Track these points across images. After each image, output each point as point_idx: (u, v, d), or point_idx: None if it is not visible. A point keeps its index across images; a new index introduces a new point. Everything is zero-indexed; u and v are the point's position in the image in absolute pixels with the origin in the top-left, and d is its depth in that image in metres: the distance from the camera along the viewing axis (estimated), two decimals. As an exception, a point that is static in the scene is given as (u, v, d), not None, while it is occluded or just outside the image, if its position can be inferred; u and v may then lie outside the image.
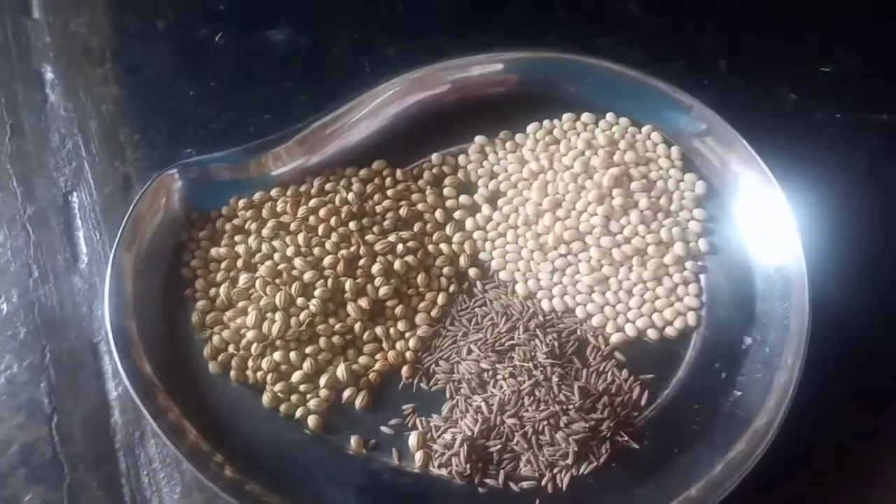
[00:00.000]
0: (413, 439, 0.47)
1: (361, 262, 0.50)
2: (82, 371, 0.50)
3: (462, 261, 0.52)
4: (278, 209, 0.52)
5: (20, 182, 0.56)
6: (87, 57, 0.60)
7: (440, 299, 0.50)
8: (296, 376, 0.48)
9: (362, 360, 0.49)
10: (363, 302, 0.49)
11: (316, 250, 0.50)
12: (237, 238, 0.51)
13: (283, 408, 0.48)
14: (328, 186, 0.53)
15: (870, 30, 0.60)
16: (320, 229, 0.51)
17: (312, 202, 0.52)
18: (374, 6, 0.62)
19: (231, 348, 0.49)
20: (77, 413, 0.49)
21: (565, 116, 0.55)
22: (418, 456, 0.46)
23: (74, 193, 0.55)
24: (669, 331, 0.49)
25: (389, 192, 0.53)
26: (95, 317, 0.51)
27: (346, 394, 0.48)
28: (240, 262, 0.50)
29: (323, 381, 0.48)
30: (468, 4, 0.62)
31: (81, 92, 0.59)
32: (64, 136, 0.57)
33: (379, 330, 0.49)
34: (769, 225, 0.49)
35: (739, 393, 0.47)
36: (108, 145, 0.57)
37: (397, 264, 0.50)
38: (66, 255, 0.53)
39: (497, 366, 0.48)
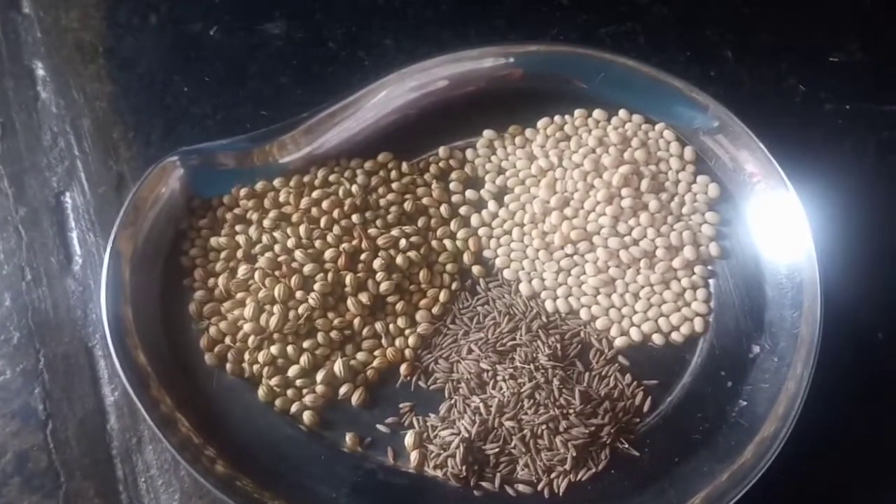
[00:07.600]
0: (409, 439, 0.46)
1: (363, 256, 0.49)
2: (77, 376, 0.49)
3: (466, 258, 0.51)
4: (281, 199, 0.51)
5: (11, 182, 0.54)
6: (79, 52, 0.59)
7: (442, 296, 0.50)
8: (292, 371, 0.47)
9: (360, 356, 0.48)
10: (363, 297, 0.48)
11: (317, 243, 0.49)
12: (238, 228, 0.51)
13: (278, 402, 0.47)
14: (332, 178, 0.52)
15: (879, 19, 0.58)
16: (322, 221, 0.50)
17: (315, 193, 0.51)
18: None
19: (228, 340, 0.48)
20: (72, 419, 0.48)
21: (577, 112, 0.53)
22: (414, 456, 0.46)
23: (67, 193, 0.54)
24: (675, 336, 0.48)
25: (394, 186, 0.52)
26: (90, 320, 0.51)
27: (343, 390, 0.47)
28: (240, 253, 0.50)
29: (320, 376, 0.47)
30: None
31: (73, 89, 0.57)
32: (56, 135, 0.56)
33: (378, 326, 0.49)
34: (782, 230, 0.48)
35: (745, 403, 0.46)
36: (102, 143, 0.56)
37: (399, 259, 0.49)
38: (60, 257, 0.52)
39: (497, 366, 0.47)
